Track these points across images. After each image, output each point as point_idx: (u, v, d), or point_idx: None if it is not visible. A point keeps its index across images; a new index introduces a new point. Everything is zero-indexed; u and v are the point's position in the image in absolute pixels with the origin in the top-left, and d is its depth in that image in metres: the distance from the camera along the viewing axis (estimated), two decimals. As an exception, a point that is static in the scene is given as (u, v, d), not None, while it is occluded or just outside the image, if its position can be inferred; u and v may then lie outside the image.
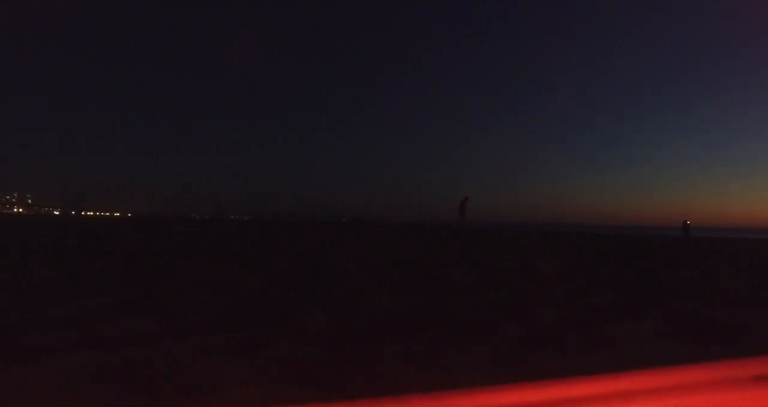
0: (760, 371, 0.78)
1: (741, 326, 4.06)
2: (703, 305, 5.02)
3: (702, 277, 7.62)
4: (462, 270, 7.82)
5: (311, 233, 26.31)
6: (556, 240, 22.33)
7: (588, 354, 3.22)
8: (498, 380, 2.53)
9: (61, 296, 4.81)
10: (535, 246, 16.65)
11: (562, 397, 0.73)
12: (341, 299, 4.95)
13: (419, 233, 33.25)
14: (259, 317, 4.08)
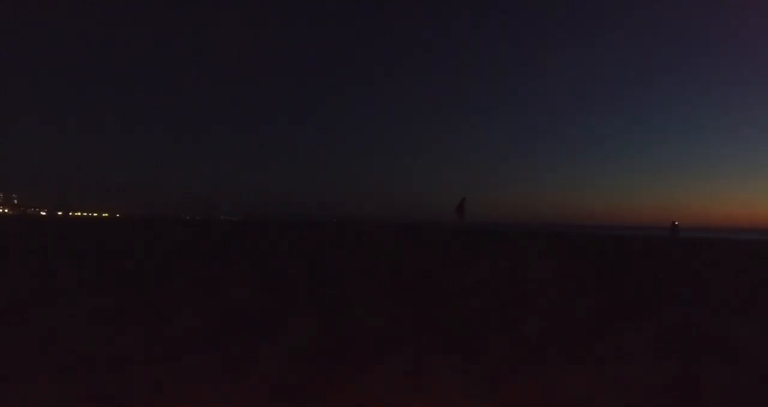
0: None
1: (735, 338, 4.00)
2: (696, 313, 4.97)
3: (694, 280, 7.59)
4: (455, 274, 7.75)
5: (302, 235, 26.10)
6: (549, 241, 22.35)
7: (580, 366, 3.15)
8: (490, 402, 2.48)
9: (36, 305, 4.63)
10: (530, 247, 16.62)
11: None
12: (330, 311, 4.82)
13: (415, 234, 33.11)
14: (248, 330, 3.94)
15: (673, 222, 50.84)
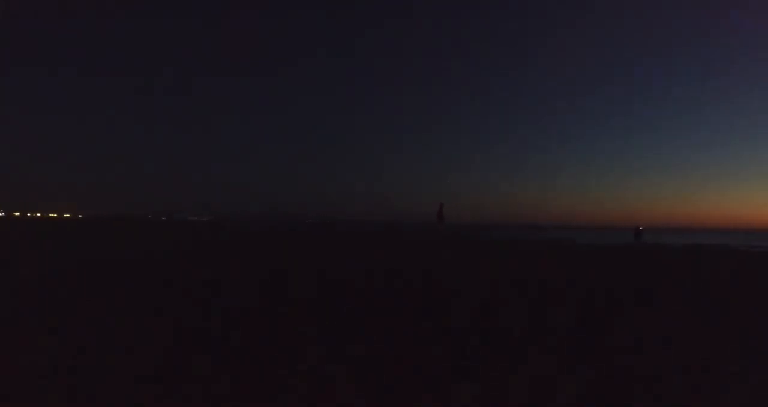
0: None
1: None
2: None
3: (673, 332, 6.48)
4: (419, 309, 7.36)
5: (271, 242, 25.48)
6: (520, 256, 22.39)
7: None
8: None
9: None
10: (501, 265, 16.56)
11: None
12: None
13: (392, 240, 32.61)
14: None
15: (638, 227, 52.30)
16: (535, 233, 71.36)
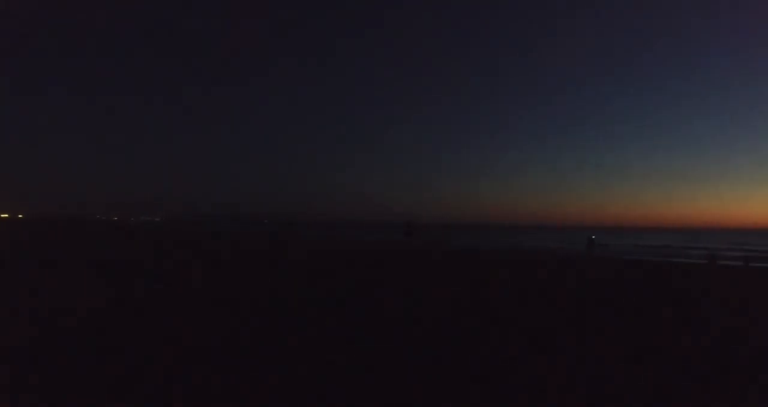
0: None
1: None
2: None
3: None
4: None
5: (225, 247, 24.74)
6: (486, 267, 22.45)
7: None
8: None
9: None
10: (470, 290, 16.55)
11: None
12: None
13: (363, 253, 31.51)
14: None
15: (590, 237, 53.89)
16: (497, 238, 69.09)
